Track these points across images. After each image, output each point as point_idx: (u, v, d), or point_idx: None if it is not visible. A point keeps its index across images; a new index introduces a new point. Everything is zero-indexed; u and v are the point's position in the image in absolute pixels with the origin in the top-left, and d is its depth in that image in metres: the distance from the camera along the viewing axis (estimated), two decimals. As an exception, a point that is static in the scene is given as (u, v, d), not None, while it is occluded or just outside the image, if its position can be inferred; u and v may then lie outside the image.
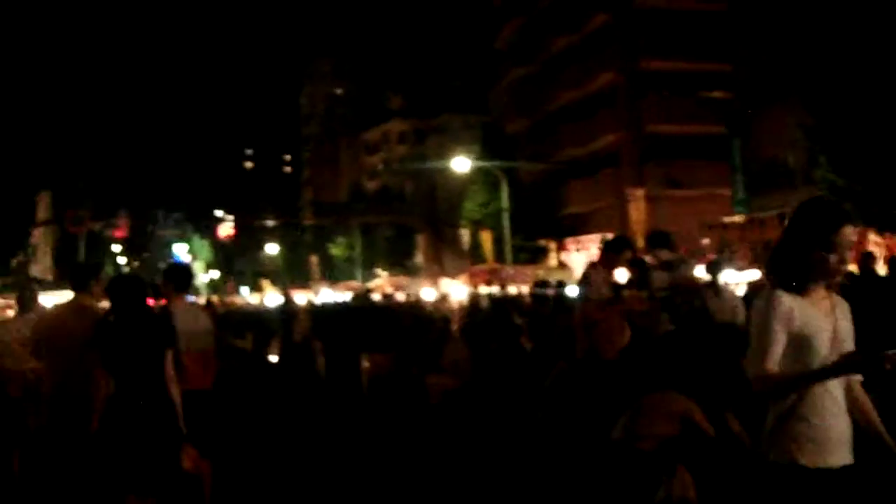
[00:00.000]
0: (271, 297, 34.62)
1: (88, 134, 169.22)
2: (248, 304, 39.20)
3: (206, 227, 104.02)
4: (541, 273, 24.19)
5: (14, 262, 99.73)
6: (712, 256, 14.89)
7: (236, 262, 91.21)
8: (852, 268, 11.39)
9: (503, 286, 20.60)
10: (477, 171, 38.52)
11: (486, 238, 35.12)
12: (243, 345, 22.49)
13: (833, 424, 3.19)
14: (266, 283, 46.74)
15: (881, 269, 11.72)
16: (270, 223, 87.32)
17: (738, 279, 13.92)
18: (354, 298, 16.40)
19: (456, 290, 27.37)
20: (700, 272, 11.29)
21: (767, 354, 3.13)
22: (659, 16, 34.57)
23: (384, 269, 47.43)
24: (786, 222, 3.39)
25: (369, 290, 24.29)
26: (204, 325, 6.77)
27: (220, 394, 6.97)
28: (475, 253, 37.71)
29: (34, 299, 7.69)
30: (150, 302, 6.40)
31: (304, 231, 74.07)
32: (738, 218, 22.30)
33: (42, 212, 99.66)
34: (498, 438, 7.83)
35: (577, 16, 38.01)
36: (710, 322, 8.21)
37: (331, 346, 13.76)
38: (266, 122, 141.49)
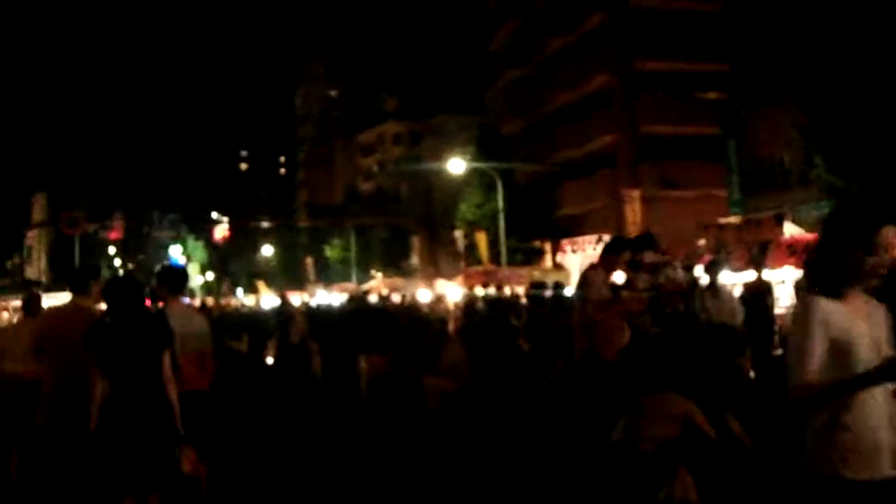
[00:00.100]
0: (267, 299, 34.57)
1: (83, 135, 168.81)
2: (244, 305, 39.16)
3: (201, 228, 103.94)
4: (536, 274, 24.18)
5: (9, 264, 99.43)
6: (708, 257, 14.86)
7: (231, 263, 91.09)
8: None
9: (500, 287, 20.55)
10: (472, 173, 38.51)
11: (482, 239, 35.09)
12: (239, 347, 22.53)
13: (878, 434, 3.05)
14: (261, 285, 46.66)
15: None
16: (265, 225, 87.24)
17: (734, 280, 13.89)
18: (350, 300, 16.35)
19: (451, 292, 27.33)
20: (698, 273, 11.29)
21: (807, 362, 3.01)
22: (654, 16, 34.61)
23: (379, 271, 47.34)
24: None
25: (365, 292, 24.28)
26: (199, 327, 6.75)
27: (217, 395, 6.94)
28: (470, 254, 37.67)
29: (39, 304, 7.70)
30: (147, 304, 6.38)
31: (298, 233, 73.98)
32: (733, 219, 22.23)
33: (37, 213, 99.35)
34: (496, 439, 7.80)
35: (572, 17, 38.03)
36: (693, 324, 8.20)
37: (327, 347, 13.75)
38: (261, 123, 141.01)
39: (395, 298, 24.70)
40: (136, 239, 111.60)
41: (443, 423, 9.29)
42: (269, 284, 49.21)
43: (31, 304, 7.69)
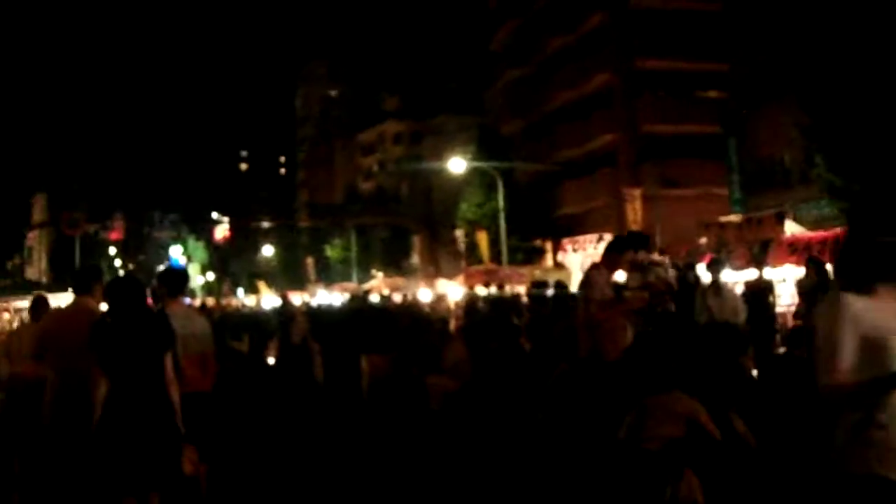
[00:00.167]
0: (267, 299, 34.57)
1: (84, 136, 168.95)
2: (245, 306, 39.17)
3: (202, 229, 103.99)
4: (537, 273, 24.19)
5: (10, 265, 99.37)
6: (710, 256, 14.86)
7: (232, 263, 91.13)
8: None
9: (501, 287, 20.55)
10: (473, 172, 38.49)
11: (482, 239, 35.09)
12: (240, 347, 22.51)
13: None
14: (262, 285, 46.69)
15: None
16: (266, 225, 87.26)
17: (735, 278, 13.90)
18: (352, 300, 16.32)
19: (452, 291, 27.34)
20: (700, 271, 11.28)
21: (838, 362, 2.94)
22: (654, 16, 34.59)
23: (380, 271, 47.34)
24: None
25: (367, 292, 24.26)
26: (201, 328, 6.75)
27: (218, 396, 6.93)
28: (471, 254, 37.67)
29: (47, 308, 7.68)
30: (149, 304, 6.38)
31: (299, 232, 73.96)
32: (734, 217, 22.23)
33: (38, 214, 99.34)
34: (499, 439, 7.79)
35: (573, 16, 38.00)
36: (683, 323, 8.19)
37: (329, 347, 13.73)
38: (261, 123, 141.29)
39: (397, 298, 24.69)
40: (137, 239, 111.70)
41: (445, 422, 9.27)
42: (270, 284, 49.24)
43: (39, 309, 7.64)
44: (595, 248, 20.78)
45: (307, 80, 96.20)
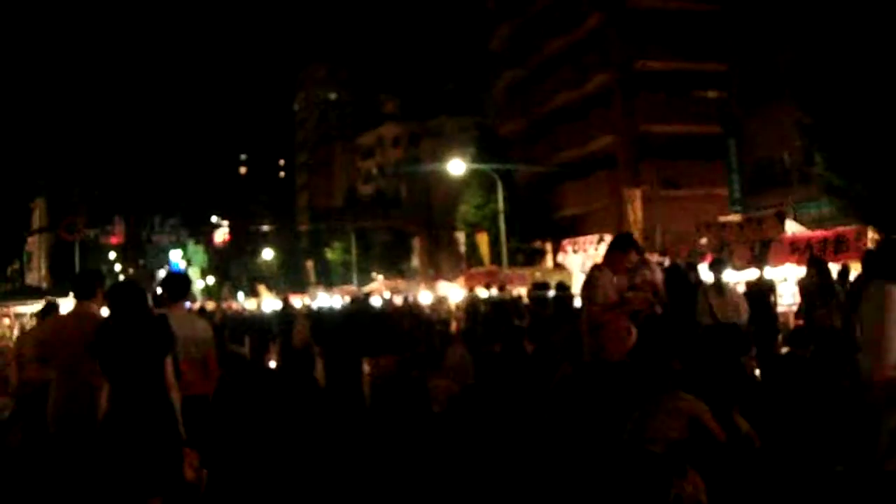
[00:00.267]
0: (268, 303, 34.56)
1: (83, 141, 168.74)
2: (245, 309, 39.15)
3: (202, 232, 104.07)
4: (538, 275, 24.14)
5: (9, 270, 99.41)
6: (711, 256, 14.86)
7: (232, 267, 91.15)
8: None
9: (502, 288, 20.52)
10: (472, 174, 38.47)
11: (483, 240, 35.06)
12: (241, 351, 22.48)
13: None
14: (262, 289, 46.68)
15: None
16: (266, 228, 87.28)
17: (736, 278, 13.89)
18: (353, 303, 16.30)
19: (453, 293, 27.33)
20: (702, 271, 11.27)
21: (888, 356, 2.84)
22: (653, 16, 34.57)
23: (380, 273, 47.32)
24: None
25: (367, 294, 24.25)
26: (202, 332, 6.74)
27: (220, 400, 6.93)
28: (471, 256, 37.64)
29: (57, 313, 7.68)
30: (150, 308, 6.37)
31: (299, 236, 73.98)
32: (734, 217, 22.25)
33: (37, 219, 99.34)
34: (502, 441, 7.78)
35: (571, 17, 37.98)
36: (666, 327, 8.17)
37: (330, 350, 13.70)
38: (260, 127, 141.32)
39: (397, 301, 24.67)
40: (137, 244, 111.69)
41: (448, 424, 9.26)
42: (271, 288, 49.23)
43: (49, 315, 7.66)
44: (595, 249, 20.71)
45: (306, 83, 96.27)
